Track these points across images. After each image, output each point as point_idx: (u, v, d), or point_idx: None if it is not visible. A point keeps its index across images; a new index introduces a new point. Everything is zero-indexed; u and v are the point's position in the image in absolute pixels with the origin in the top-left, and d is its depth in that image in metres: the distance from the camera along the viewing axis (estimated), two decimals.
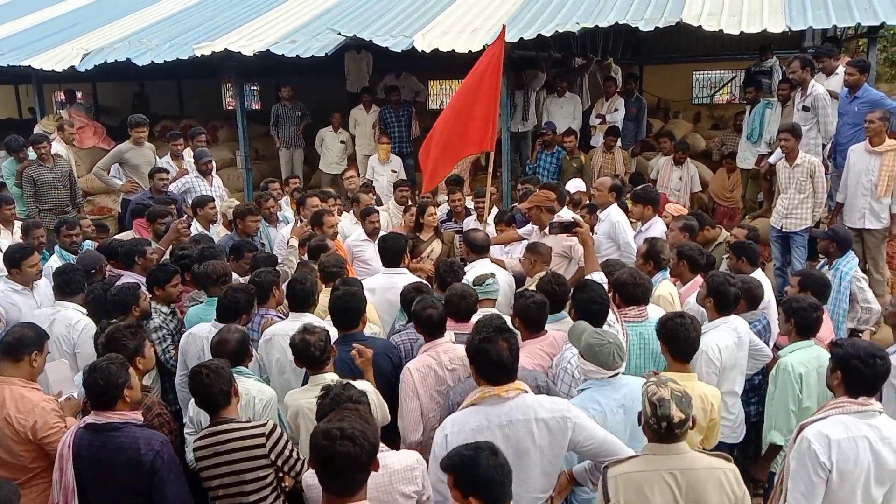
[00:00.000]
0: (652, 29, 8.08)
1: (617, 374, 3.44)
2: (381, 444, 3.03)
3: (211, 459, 3.31)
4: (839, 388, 3.14)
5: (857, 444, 3.00)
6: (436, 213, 7.05)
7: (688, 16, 8.10)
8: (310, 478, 3.03)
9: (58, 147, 9.30)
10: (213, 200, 7.37)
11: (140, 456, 3.16)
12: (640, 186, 7.04)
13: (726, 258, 5.85)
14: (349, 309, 4.15)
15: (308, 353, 3.67)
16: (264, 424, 3.36)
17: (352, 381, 3.34)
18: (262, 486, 3.33)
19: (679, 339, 3.64)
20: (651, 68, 15.43)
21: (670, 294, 4.88)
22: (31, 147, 8.62)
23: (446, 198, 8.32)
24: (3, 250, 5.76)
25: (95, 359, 4.02)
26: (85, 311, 4.89)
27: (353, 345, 3.92)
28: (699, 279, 4.93)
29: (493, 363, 3.02)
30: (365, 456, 2.46)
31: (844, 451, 2.99)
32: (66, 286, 4.96)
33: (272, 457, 3.31)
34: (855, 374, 3.07)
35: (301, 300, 4.50)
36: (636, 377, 3.53)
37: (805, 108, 7.48)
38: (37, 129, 10.49)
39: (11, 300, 5.26)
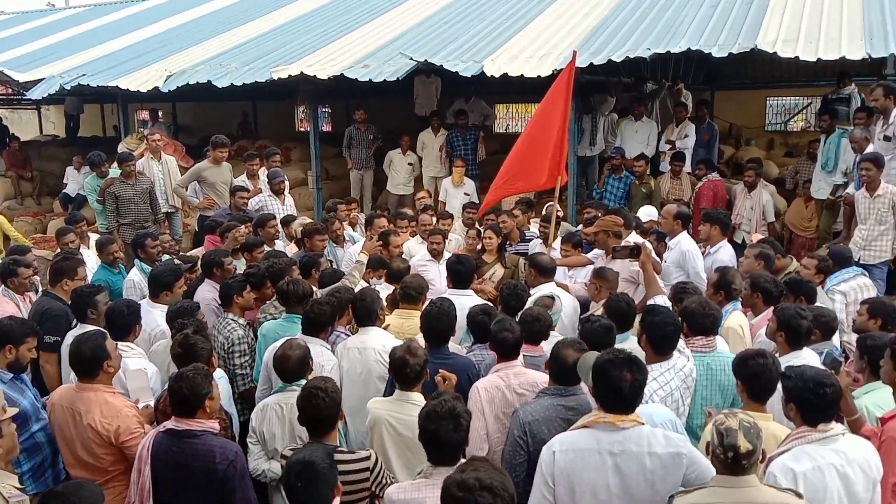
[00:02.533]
0: (725, 55, 7.97)
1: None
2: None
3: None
4: (797, 419, 3.11)
5: (823, 473, 2.95)
6: (494, 237, 7.06)
7: (762, 42, 7.96)
8: (394, 492, 3.09)
9: (144, 161, 9.70)
10: (274, 218, 7.53)
11: (215, 464, 3.28)
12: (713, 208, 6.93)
13: None
14: (441, 327, 4.26)
15: (403, 371, 3.76)
16: (368, 458, 3.39)
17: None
18: None
19: (760, 381, 3.51)
20: (723, 93, 15.16)
21: (740, 326, 4.77)
22: (118, 165, 9.04)
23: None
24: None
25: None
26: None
27: (440, 371, 3.97)
28: (770, 312, 4.80)
29: (611, 389, 2.98)
30: None
31: (811, 481, 2.94)
32: (152, 287, 5.32)
33: (373, 487, 3.37)
34: (807, 403, 3.04)
35: (364, 315, 4.66)
36: None
37: (887, 138, 7.25)
38: (121, 147, 11.03)
39: None
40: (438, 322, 4.29)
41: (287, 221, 7.86)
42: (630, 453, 2.95)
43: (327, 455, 2.92)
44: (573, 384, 3.64)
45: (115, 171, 9.18)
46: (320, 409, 3.33)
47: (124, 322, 4.49)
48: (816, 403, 3.03)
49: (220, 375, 4.43)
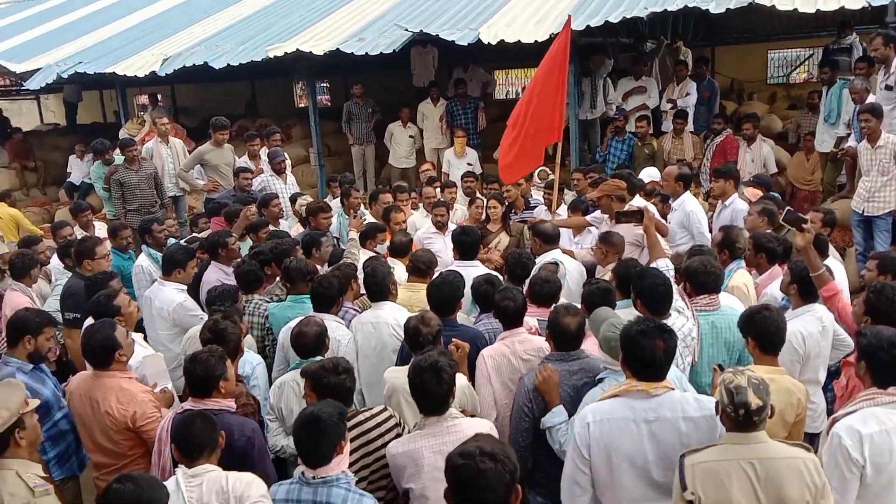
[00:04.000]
0: (723, 10, 7.88)
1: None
2: (456, 412, 3.30)
3: (357, 448, 3.40)
4: (867, 380, 3.08)
5: (890, 437, 2.94)
6: (499, 206, 7.10)
7: None
8: (393, 446, 3.25)
9: (153, 145, 9.73)
10: (277, 197, 7.56)
11: (233, 441, 3.34)
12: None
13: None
14: (443, 297, 4.33)
15: (417, 340, 3.82)
16: (386, 410, 3.53)
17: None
18: None
19: (768, 333, 3.53)
20: (723, 49, 14.96)
21: (745, 284, 4.79)
22: (120, 151, 9.06)
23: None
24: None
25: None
26: (182, 287, 5.37)
27: (453, 339, 4.01)
28: (777, 269, 4.82)
29: (644, 359, 3.00)
30: (508, 476, 2.30)
31: (877, 444, 2.93)
32: (165, 264, 5.47)
33: None
34: (881, 364, 3.01)
35: (376, 290, 4.71)
36: None
37: (888, 87, 7.18)
38: (122, 133, 11.05)
39: None
40: (440, 292, 4.34)
41: (293, 199, 7.91)
42: (665, 419, 2.99)
43: (336, 411, 3.00)
44: (574, 349, 3.71)
45: (119, 157, 9.20)
46: (340, 391, 3.41)
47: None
48: (890, 363, 3.01)
49: (257, 361, 4.51)
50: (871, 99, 7.29)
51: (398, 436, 3.43)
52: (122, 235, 6.88)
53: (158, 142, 9.76)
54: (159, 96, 14.56)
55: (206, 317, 4.69)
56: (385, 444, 3.39)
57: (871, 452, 2.93)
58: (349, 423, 3.39)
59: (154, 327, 5.37)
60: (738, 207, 6.22)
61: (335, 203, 8.15)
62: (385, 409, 3.55)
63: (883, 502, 3.01)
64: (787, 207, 4.41)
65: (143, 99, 17.54)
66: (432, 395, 3.20)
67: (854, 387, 3.43)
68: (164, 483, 2.88)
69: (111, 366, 3.90)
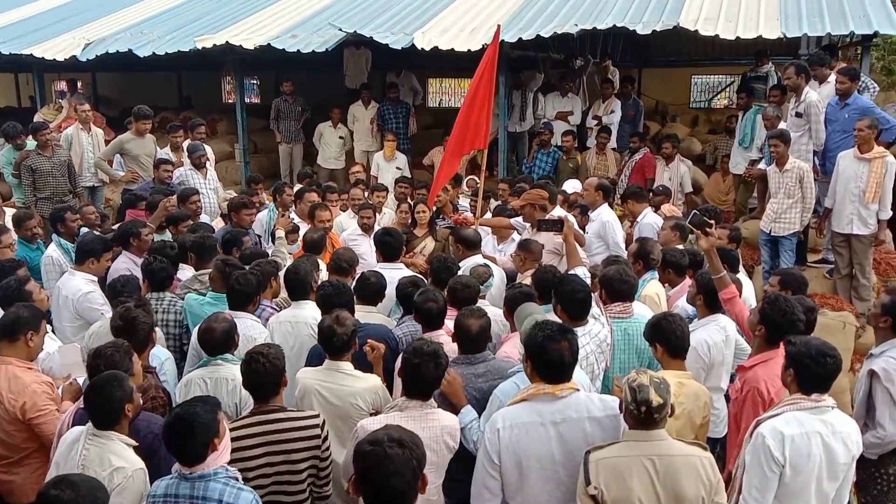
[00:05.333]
0: (649, 32, 8.18)
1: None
2: (433, 403, 3.35)
3: (260, 447, 3.32)
4: (793, 385, 3.22)
5: (809, 440, 3.09)
6: (426, 211, 7.15)
7: (685, 20, 8.21)
8: (368, 423, 3.23)
9: (73, 131, 9.34)
10: (197, 193, 7.37)
11: (139, 438, 3.22)
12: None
13: None
14: (336, 305, 4.20)
15: (331, 341, 3.77)
16: (317, 416, 3.44)
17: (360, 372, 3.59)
18: (308, 476, 3.40)
19: (675, 338, 3.70)
20: (650, 71, 15.54)
21: (657, 294, 4.98)
22: (31, 135, 8.67)
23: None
24: None
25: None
26: (92, 278, 5.16)
27: (368, 340, 4.00)
28: (688, 281, 5.02)
29: (552, 362, 3.05)
30: (416, 462, 2.33)
31: (798, 446, 3.08)
32: (78, 253, 5.29)
33: (323, 447, 3.40)
34: (807, 371, 3.15)
35: (298, 289, 4.65)
36: None
37: (798, 115, 7.58)
38: (37, 118, 10.56)
39: None
40: (330, 299, 4.29)
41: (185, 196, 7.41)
42: (571, 420, 3.05)
43: (207, 409, 2.92)
44: (479, 351, 3.79)
45: (31, 143, 8.79)
46: (260, 374, 3.37)
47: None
48: (817, 372, 3.12)
49: (166, 356, 4.37)
50: (782, 125, 7.68)
51: (315, 443, 3.36)
52: (26, 226, 6.51)
53: (79, 129, 9.38)
54: (79, 83, 13.99)
55: (109, 311, 4.53)
56: (298, 449, 3.34)
57: (792, 453, 3.07)
58: (264, 418, 3.37)
59: (60, 318, 5.17)
60: (649, 221, 6.59)
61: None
62: (314, 417, 3.44)
63: (797, 502, 3.15)
64: (694, 211, 4.59)
65: (62, 85, 16.81)
66: (426, 379, 3.28)
67: (748, 392, 3.60)
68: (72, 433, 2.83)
69: (15, 345, 3.75)
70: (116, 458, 3.03)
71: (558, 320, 3.79)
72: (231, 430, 3.18)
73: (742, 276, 5.28)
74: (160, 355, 4.33)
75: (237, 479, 2.93)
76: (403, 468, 2.29)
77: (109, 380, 3.12)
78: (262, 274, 4.88)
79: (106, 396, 3.08)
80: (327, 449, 3.45)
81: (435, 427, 3.25)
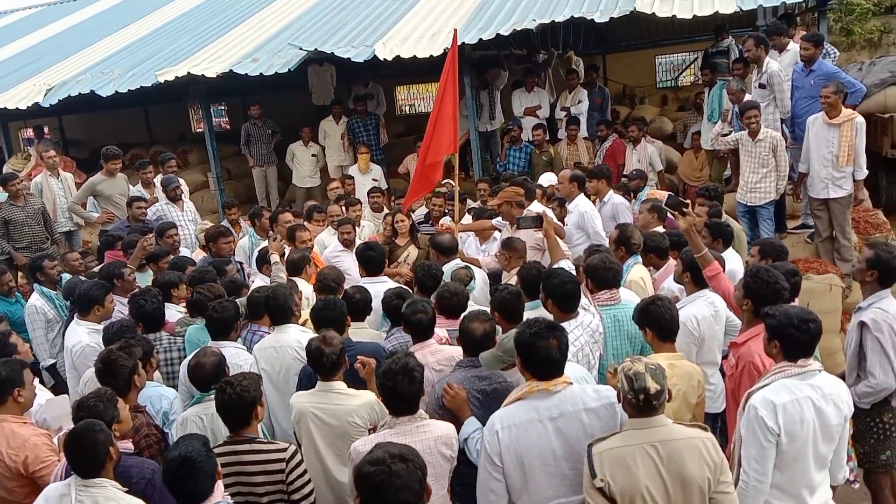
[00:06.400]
0: (607, 20, 8.22)
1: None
2: (424, 413, 3.35)
3: (230, 476, 3.34)
4: (779, 356, 3.25)
5: (801, 406, 3.12)
6: (406, 220, 7.14)
7: (641, 4, 8.26)
8: (360, 445, 3.24)
9: (42, 179, 9.27)
10: (174, 227, 7.29)
11: (132, 485, 3.18)
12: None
13: None
14: (329, 318, 4.23)
15: (320, 362, 3.76)
16: (284, 450, 3.41)
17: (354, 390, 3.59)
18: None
19: (664, 321, 3.73)
20: (614, 56, 15.60)
21: (642, 278, 5.00)
22: (2, 186, 8.57)
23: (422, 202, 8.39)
24: None
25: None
26: (97, 328, 5.01)
27: (358, 357, 3.98)
28: (672, 263, 5.04)
29: (542, 359, 3.06)
30: (420, 473, 2.35)
31: (790, 413, 3.10)
32: (80, 304, 5.18)
33: (287, 480, 3.37)
34: (791, 339, 3.18)
35: (278, 314, 4.62)
36: None
37: (762, 86, 7.65)
38: (6, 169, 10.45)
39: None
40: (324, 314, 4.27)
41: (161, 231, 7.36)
42: (568, 414, 3.05)
43: (202, 445, 2.98)
44: None
45: (2, 195, 8.69)
46: (227, 405, 3.39)
47: None
48: (800, 338, 3.16)
49: (173, 395, 4.32)
50: (747, 97, 7.74)
51: (279, 476, 3.36)
52: (2, 281, 6.45)
53: (48, 175, 9.30)
54: (45, 128, 13.89)
55: None
56: (260, 483, 3.36)
57: (785, 421, 3.09)
58: (232, 448, 3.40)
59: (65, 366, 5.18)
60: (615, 202, 6.81)
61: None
62: (281, 450, 3.43)
63: (797, 468, 3.19)
64: (669, 193, 4.64)
65: (29, 132, 16.65)
66: (405, 396, 3.26)
67: (744, 366, 3.62)
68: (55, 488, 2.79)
69: (5, 405, 3.71)
70: None
71: (550, 316, 3.82)
72: None
73: (731, 251, 5.30)
74: (168, 395, 4.29)
75: None
76: (410, 481, 2.30)
77: (87, 428, 3.07)
78: (258, 301, 4.83)
79: (88, 444, 3.02)
80: (300, 480, 3.41)
81: (427, 439, 3.24)
